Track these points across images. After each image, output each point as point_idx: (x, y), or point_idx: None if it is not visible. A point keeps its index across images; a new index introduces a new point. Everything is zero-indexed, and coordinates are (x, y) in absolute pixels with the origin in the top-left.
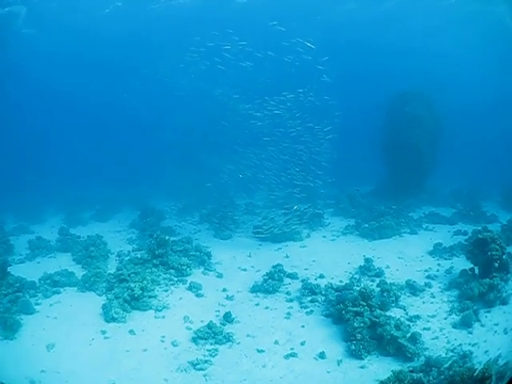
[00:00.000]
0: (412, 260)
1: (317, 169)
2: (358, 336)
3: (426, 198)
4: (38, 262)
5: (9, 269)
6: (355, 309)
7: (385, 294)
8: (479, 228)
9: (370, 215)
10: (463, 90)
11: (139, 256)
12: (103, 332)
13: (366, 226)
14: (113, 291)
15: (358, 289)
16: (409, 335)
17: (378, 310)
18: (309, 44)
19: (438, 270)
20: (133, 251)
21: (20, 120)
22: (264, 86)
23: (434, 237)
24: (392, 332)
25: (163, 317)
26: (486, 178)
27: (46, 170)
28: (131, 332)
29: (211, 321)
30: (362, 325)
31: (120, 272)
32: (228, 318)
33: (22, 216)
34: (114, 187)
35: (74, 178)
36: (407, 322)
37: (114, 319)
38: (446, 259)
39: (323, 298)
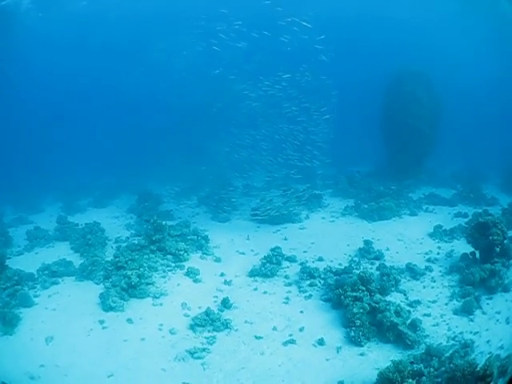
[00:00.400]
0: (412, 242)
1: (314, 149)
2: (358, 322)
3: (425, 179)
4: (37, 253)
5: (7, 261)
6: (354, 294)
7: (384, 278)
8: (480, 211)
9: (369, 196)
10: (463, 69)
11: (136, 242)
12: (101, 322)
13: (366, 206)
14: (110, 279)
15: (358, 272)
16: (409, 322)
17: (378, 295)
18: (305, 23)
19: (438, 253)
20: (130, 237)
21: (15, 109)
22: (260, 66)
23: (434, 218)
24: (392, 318)
25: (161, 304)
26: (486, 159)
27: (43, 159)
28: (129, 321)
29: (209, 307)
30: (361, 310)
31: (117, 259)
32: (226, 303)
33: (21, 207)
34: (112, 173)
35: (72, 165)
36: (407, 308)
37: (111, 308)
38: (446, 242)
39: (322, 282)
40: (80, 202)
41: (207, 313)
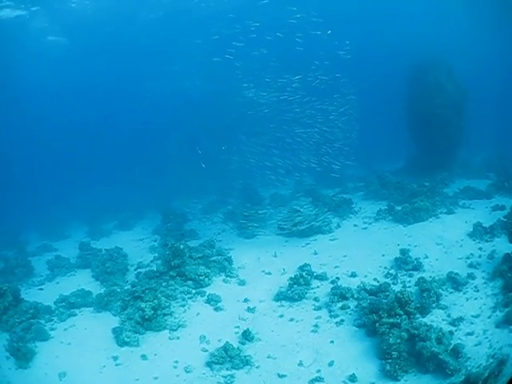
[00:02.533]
0: (452, 245)
1: (336, 151)
2: (394, 354)
3: (458, 171)
4: (58, 283)
5: (26, 293)
6: (391, 320)
7: (425, 295)
8: None
9: (402, 196)
10: (484, 55)
11: (155, 269)
12: (115, 358)
13: (400, 208)
14: (126, 311)
15: (395, 293)
16: (451, 347)
17: (418, 316)
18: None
19: (480, 256)
20: (154, 260)
21: (39, 131)
22: (275, 71)
23: (472, 215)
24: (433, 349)
25: (178, 338)
26: None
27: (69, 183)
28: (143, 357)
29: (227, 342)
30: (398, 341)
31: (134, 289)
32: (247, 336)
33: (46, 234)
34: (138, 192)
35: (97, 187)
36: (450, 328)
37: (126, 343)
38: (487, 241)
39: (355, 304)
40: (105, 225)
41: (226, 348)
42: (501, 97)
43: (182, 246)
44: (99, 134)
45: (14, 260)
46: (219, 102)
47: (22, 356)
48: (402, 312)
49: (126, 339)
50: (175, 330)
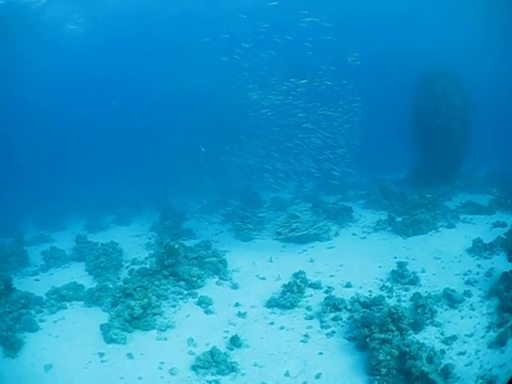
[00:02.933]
0: (450, 261)
1: (337, 157)
2: (383, 371)
3: (461, 184)
4: (51, 274)
5: (20, 282)
6: (382, 336)
7: (419, 311)
8: None
9: (403, 207)
10: (491, 66)
11: (148, 267)
12: (101, 355)
13: (400, 220)
14: (115, 308)
15: (388, 307)
16: (441, 367)
17: (411, 332)
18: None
19: (477, 273)
20: (149, 257)
21: (41, 124)
22: (283, 74)
23: (473, 230)
24: (423, 368)
25: (165, 338)
26: None
27: (69, 175)
28: (129, 356)
29: (215, 346)
30: (388, 357)
31: (126, 286)
32: (236, 341)
33: (44, 224)
34: (138, 188)
35: (98, 180)
36: (442, 346)
37: (113, 340)
38: (485, 258)
39: (348, 315)
40: (104, 219)
41: (212, 353)
42: (508, 110)
43: (176, 246)
44: (103, 129)
45: (9, 248)
46: (223, 102)
47: (10, 345)
48: (394, 328)
49: (113, 336)
50: (163, 330)
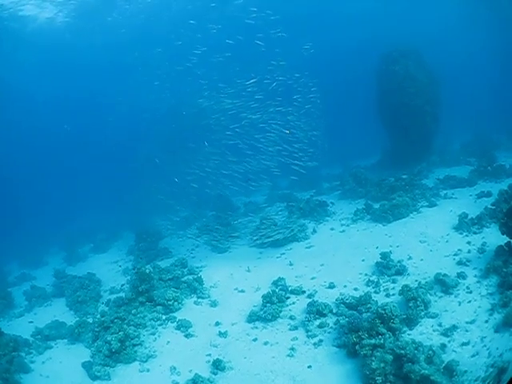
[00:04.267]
0: (437, 242)
1: (298, 154)
2: (379, 380)
3: (436, 160)
4: (35, 314)
5: (8, 325)
6: (372, 341)
7: (411, 304)
8: (505, 188)
9: (379, 192)
10: (452, 39)
11: (123, 296)
12: None
13: (377, 207)
14: (95, 343)
15: (376, 307)
16: (443, 366)
17: (405, 329)
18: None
19: (469, 251)
20: (125, 284)
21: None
22: (232, 75)
23: (456, 205)
24: (422, 371)
25: (148, 370)
26: (492, 125)
27: (45, 208)
28: None
29: (197, 374)
30: (382, 365)
31: (103, 319)
32: (218, 365)
33: (25, 262)
34: (113, 212)
35: (72, 211)
36: (442, 339)
37: (97, 377)
38: (475, 233)
39: (334, 320)
40: (82, 249)
41: (195, 381)
42: (475, 80)
43: (147, 271)
44: (70, 152)
45: None
46: (177, 113)
47: None
48: (384, 330)
49: (96, 373)
50: (145, 361)
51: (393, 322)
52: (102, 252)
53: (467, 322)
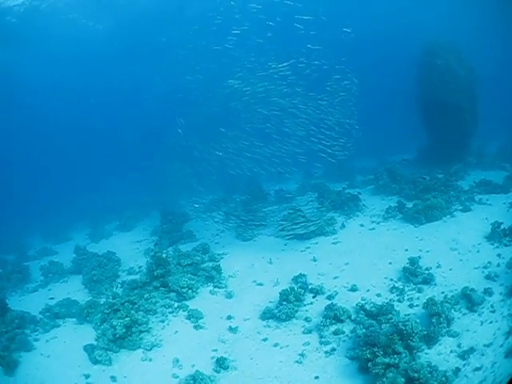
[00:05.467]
0: (468, 251)
1: (329, 143)
2: None
3: (472, 162)
4: (50, 289)
5: (20, 300)
6: (387, 360)
7: (433, 320)
8: None
9: (413, 190)
10: (491, 36)
11: (138, 279)
12: (86, 376)
13: (411, 206)
14: (102, 326)
15: (397, 321)
16: None
17: (423, 348)
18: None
19: (498, 265)
20: (143, 266)
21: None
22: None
23: (490, 213)
24: None
25: (150, 359)
26: None
27: (73, 184)
28: (112, 378)
29: (198, 371)
30: None
31: (113, 301)
32: (222, 363)
33: (49, 236)
34: (144, 190)
35: (102, 187)
36: (458, 362)
37: (98, 361)
38: (506, 245)
39: (351, 328)
40: (107, 226)
41: (195, 378)
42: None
43: (164, 255)
44: (103, 134)
45: (10, 265)
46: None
47: (7, 365)
48: (401, 348)
49: (97, 357)
50: (149, 349)
51: (412, 340)
52: (127, 230)
53: (485, 345)
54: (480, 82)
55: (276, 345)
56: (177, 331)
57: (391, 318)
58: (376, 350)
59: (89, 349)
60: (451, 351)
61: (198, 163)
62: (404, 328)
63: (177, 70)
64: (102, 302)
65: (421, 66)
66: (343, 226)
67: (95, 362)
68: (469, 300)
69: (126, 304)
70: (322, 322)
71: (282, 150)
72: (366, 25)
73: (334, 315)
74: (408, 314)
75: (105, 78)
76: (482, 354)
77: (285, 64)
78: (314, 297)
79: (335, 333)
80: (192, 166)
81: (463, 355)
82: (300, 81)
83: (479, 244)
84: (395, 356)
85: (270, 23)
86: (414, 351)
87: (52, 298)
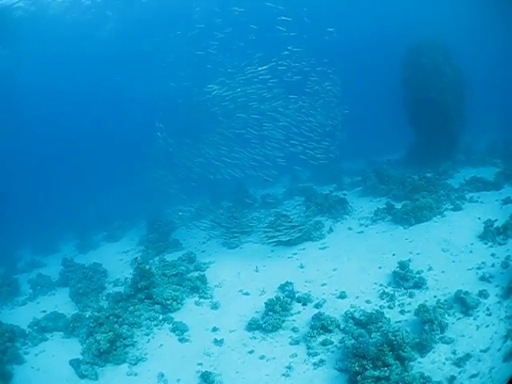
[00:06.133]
0: (460, 252)
1: (310, 146)
2: None
3: (462, 159)
4: (38, 303)
5: (10, 313)
6: (377, 373)
7: (426, 328)
8: None
9: (402, 191)
10: (482, 35)
11: (122, 291)
12: None
13: (399, 207)
14: (87, 340)
15: (386, 332)
16: None
17: (416, 357)
18: None
19: (493, 265)
20: (128, 278)
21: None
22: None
23: (482, 211)
24: None
25: (135, 374)
26: None
27: (61, 194)
28: None
29: None
30: None
31: (98, 315)
32: (207, 378)
33: (38, 248)
34: (130, 200)
35: (90, 197)
36: (453, 371)
37: (84, 376)
38: (500, 244)
39: (340, 338)
40: (95, 236)
41: None
42: (503, 78)
43: (147, 267)
44: (91, 142)
45: (0, 278)
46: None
47: (2, 376)
48: (392, 360)
49: (84, 372)
50: (134, 364)
51: (403, 350)
52: (114, 241)
53: (481, 351)
54: (466, 81)
55: (262, 357)
56: (162, 344)
57: (381, 327)
58: (365, 362)
59: (74, 363)
60: (446, 359)
61: (179, 170)
62: (394, 338)
63: (161, 77)
64: (87, 316)
65: (406, 65)
66: (331, 230)
67: (82, 376)
68: (463, 303)
69: (111, 317)
70: (309, 332)
71: (264, 154)
72: (349, 25)
73: (321, 325)
74: (399, 321)
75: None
76: (479, 360)
77: (264, 67)
78: (303, 304)
79: (323, 343)
80: (173, 174)
81: (458, 362)
82: (280, 83)
83: (472, 244)
84: (385, 368)
85: (253, 26)
86: (406, 362)
87: (44, 311)
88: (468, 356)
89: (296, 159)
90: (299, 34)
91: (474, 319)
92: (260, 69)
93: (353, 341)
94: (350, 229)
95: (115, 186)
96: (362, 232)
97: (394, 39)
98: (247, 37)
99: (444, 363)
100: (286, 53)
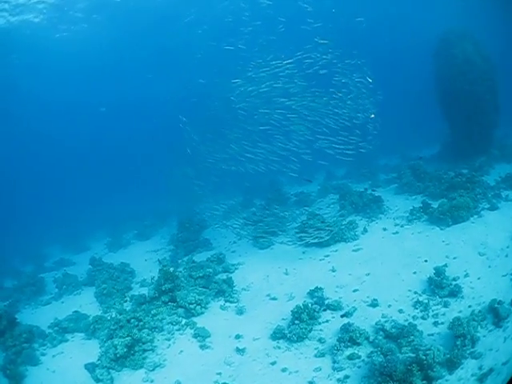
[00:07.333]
0: (496, 256)
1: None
2: None
3: (497, 154)
4: (63, 302)
5: (32, 313)
6: None
7: (458, 343)
8: None
9: (438, 188)
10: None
11: (146, 293)
12: None
13: (436, 206)
14: (106, 343)
15: (417, 352)
16: None
17: (444, 374)
18: None
19: None
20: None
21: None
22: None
23: None
24: None
25: (152, 381)
26: None
27: (93, 192)
28: None
29: None
30: None
31: (119, 317)
32: None
33: (67, 246)
34: (163, 198)
35: (122, 195)
36: None
37: (99, 380)
38: None
39: (369, 351)
40: (126, 235)
41: None
42: None
43: (171, 269)
44: (122, 142)
45: (26, 277)
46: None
47: (12, 378)
48: (419, 380)
49: (99, 376)
50: (152, 370)
51: (432, 370)
52: (145, 239)
53: (503, 364)
54: (497, 70)
55: (284, 370)
56: (182, 351)
57: (413, 341)
58: (392, 383)
59: (89, 367)
60: (472, 375)
61: (203, 167)
62: (425, 358)
63: (189, 74)
64: (109, 318)
65: (437, 56)
66: (365, 230)
67: (97, 380)
68: (496, 314)
69: (132, 320)
70: (336, 345)
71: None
72: (378, 15)
73: (349, 337)
74: (431, 334)
75: (113, 86)
76: (498, 374)
77: (289, 61)
78: (332, 311)
79: (350, 357)
80: (203, 172)
81: (482, 378)
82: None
83: (507, 247)
84: None
85: (282, 19)
86: (433, 382)
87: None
88: (491, 370)
89: (328, 156)
90: (324, 24)
91: (503, 331)
92: (286, 62)
93: (381, 357)
94: (384, 229)
95: (147, 185)
96: (397, 233)
97: (422, 28)
98: (276, 30)
99: (469, 379)
100: (312, 46)
